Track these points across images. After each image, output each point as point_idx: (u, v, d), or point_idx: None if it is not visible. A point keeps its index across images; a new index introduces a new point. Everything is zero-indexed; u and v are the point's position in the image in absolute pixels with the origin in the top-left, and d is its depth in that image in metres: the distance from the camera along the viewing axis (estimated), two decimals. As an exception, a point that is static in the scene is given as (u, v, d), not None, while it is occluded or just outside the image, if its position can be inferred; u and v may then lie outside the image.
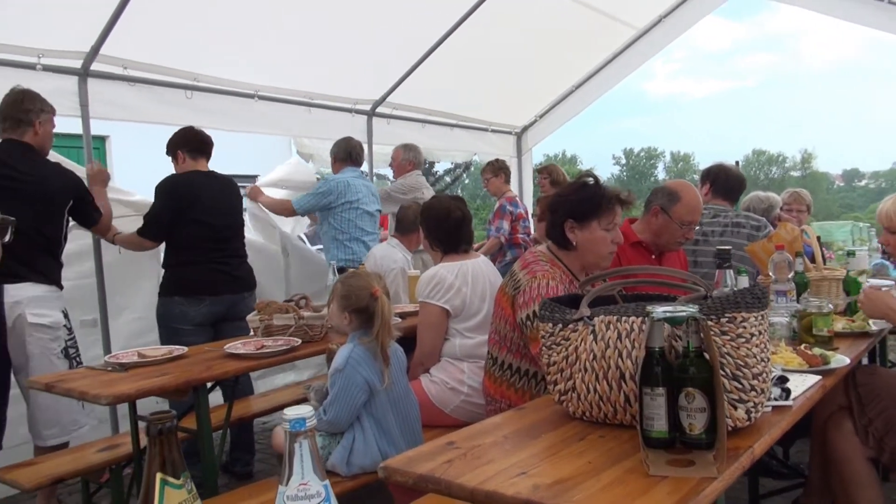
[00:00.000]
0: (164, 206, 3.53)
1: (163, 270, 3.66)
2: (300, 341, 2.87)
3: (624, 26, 5.82)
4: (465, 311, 2.93)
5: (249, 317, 3.03)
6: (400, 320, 3.27)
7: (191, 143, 3.66)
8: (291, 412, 0.78)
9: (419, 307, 3.01)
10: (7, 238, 1.06)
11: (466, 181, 30.95)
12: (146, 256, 4.04)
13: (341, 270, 3.83)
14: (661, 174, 65.33)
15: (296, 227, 5.21)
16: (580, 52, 6.10)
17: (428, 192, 5.02)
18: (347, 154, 4.59)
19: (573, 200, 2.38)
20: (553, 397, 1.68)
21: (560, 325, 1.66)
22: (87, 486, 2.92)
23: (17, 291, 2.93)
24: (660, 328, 1.40)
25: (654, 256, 3.01)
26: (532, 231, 6.01)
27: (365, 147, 5.69)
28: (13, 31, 3.43)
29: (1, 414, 2.99)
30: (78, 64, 3.75)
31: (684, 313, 1.35)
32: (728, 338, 1.47)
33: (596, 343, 1.58)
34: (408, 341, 2.83)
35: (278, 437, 2.52)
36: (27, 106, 3.08)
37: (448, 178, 21.75)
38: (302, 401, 3.24)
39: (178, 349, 2.80)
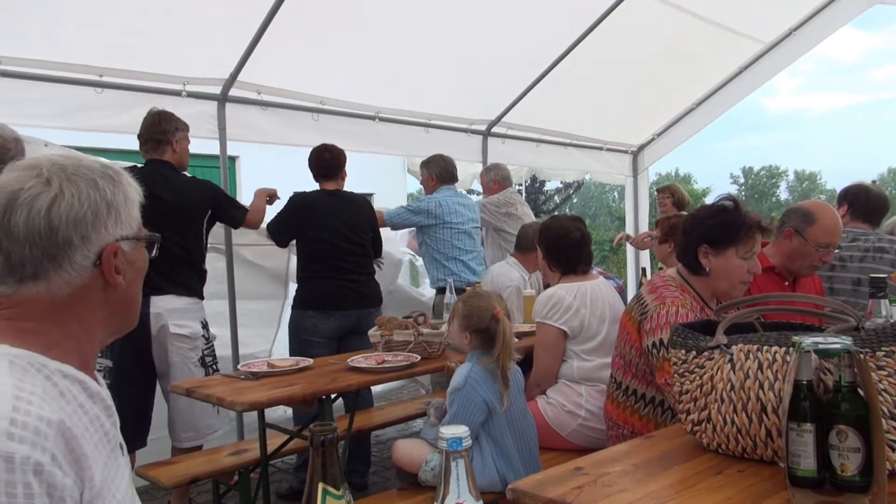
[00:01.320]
0: (282, 217, 3.77)
1: (293, 285, 3.87)
2: (419, 357, 2.92)
3: (750, 41, 5.58)
4: (584, 333, 2.88)
5: (371, 332, 3.11)
6: (517, 340, 3.26)
7: (314, 169, 3.87)
8: (448, 431, 0.80)
9: (536, 327, 2.99)
10: (153, 254, 1.15)
11: (575, 200, 30.58)
12: (270, 279, 4.35)
13: (460, 290, 3.89)
14: (783, 194, 61.93)
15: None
16: (702, 69, 5.90)
17: (521, 209, 4.99)
18: (449, 174, 4.50)
19: (710, 225, 2.26)
20: (685, 427, 1.62)
21: (694, 353, 1.60)
22: (217, 488, 3.08)
23: (161, 303, 3.14)
24: (808, 360, 1.32)
25: (787, 283, 2.85)
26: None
27: (480, 166, 5.76)
28: (162, 61, 3.73)
29: (146, 414, 3.22)
30: (217, 90, 4.02)
31: (837, 345, 1.27)
32: (885, 373, 1.37)
33: (734, 373, 1.51)
34: (523, 361, 2.81)
35: (398, 451, 2.56)
36: (164, 126, 3.29)
37: (557, 198, 21.57)
38: (421, 415, 3.29)
39: (305, 361, 2.93)
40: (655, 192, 6.04)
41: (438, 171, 4.48)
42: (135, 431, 3.12)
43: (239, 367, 2.89)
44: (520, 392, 2.51)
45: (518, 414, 2.46)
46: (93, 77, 3.57)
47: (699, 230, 2.27)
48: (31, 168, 0.99)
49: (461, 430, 0.80)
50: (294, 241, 3.87)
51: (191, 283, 3.28)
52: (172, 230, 3.15)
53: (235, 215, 3.52)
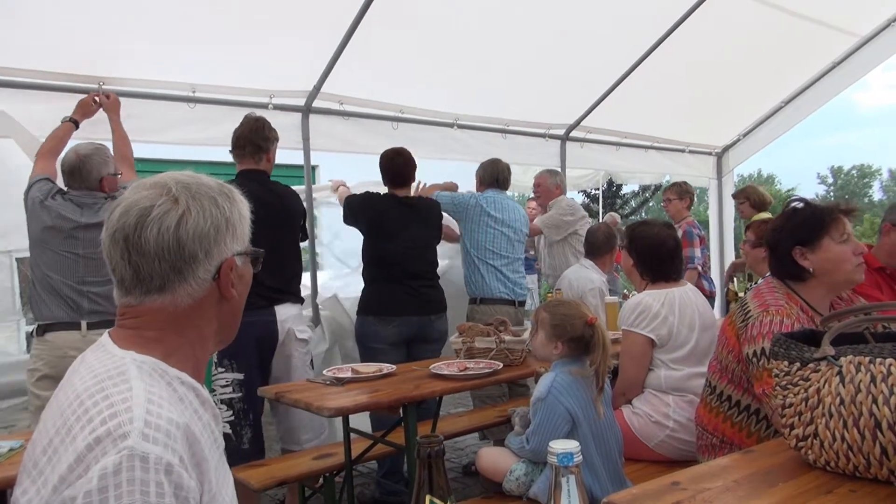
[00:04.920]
0: (353, 208, 3.75)
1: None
2: (501, 365, 2.91)
3: (843, 34, 5.30)
4: (672, 342, 2.79)
5: (452, 338, 3.12)
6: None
7: (385, 174, 3.83)
8: (559, 445, 0.78)
9: (622, 335, 2.92)
10: (257, 269, 1.18)
11: (651, 204, 29.79)
12: None
13: (488, 300, 3.88)
14: (876, 194, 58.61)
15: None
16: (791, 66, 5.65)
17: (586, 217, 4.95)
18: (493, 178, 4.28)
19: (791, 227, 2.18)
20: (788, 442, 1.55)
21: (798, 364, 1.53)
22: (304, 491, 3.14)
23: (284, 310, 3.18)
24: (929, 374, 1.23)
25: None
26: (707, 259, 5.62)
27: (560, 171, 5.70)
28: (250, 75, 3.87)
29: (258, 420, 3.17)
30: (302, 102, 4.14)
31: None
32: None
33: (843, 386, 1.43)
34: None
35: (483, 459, 2.54)
36: (266, 134, 3.24)
37: (634, 203, 21.12)
38: (503, 423, 3.27)
39: (388, 367, 2.95)
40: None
41: (482, 174, 4.32)
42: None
43: (325, 372, 2.94)
44: (608, 404, 2.45)
45: (605, 425, 2.39)
46: (186, 93, 3.73)
47: (784, 237, 2.19)
48: (158, 186, 1.04)
49: (572, 445, 0.78)
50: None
51: (299, 289, 3.36)
52: (289, 238, 3.22)
53: (306, 231, 3.58)
